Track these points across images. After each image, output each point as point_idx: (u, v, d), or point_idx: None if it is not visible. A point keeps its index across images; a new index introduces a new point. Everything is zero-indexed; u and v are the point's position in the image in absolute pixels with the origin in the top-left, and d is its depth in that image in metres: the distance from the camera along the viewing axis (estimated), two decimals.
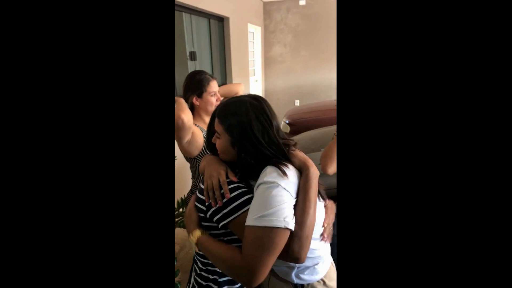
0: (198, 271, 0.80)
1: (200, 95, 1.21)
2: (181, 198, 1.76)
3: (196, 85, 1.21)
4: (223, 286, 0.77)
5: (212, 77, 1.25)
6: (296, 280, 0.77)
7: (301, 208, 0.65)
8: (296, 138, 2.50)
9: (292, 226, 0.62)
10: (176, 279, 1.43)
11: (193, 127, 1.12)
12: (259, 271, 0.59)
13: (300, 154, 0.73)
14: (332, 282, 0.82)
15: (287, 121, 3.33)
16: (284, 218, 0.60)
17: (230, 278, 0.77)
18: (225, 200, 0.68)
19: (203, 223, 0.73)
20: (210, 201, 0.69)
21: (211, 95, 1.22)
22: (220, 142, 0.73)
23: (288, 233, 0.62)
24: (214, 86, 1.23)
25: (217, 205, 0.68)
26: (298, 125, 3.19)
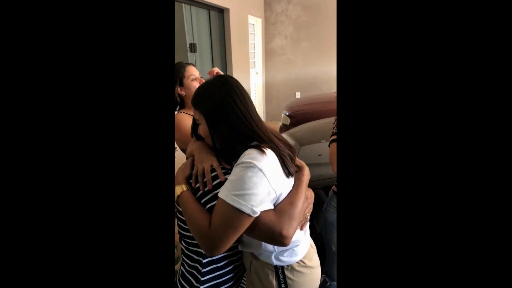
0: (185, 251, 0.82)
1: (181, 83, 1.22)
2: None
3: (175, 75, 1.23)
4: (207, 267, 0.79)
5: (188, 64, 1.25)
6: (276, 262, 0.79)
7: (294, 192, 0.74)
8: (296, 129, 2.51)
9: (257, 214, 0.65)
10: (176, 267, 1.46)
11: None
12: (221, 244, 0.64)
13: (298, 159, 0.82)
14: (312, 262, 0.84)
15: (287, 113, 3.34)
16: (252, 206, 0.63)
17: (212, 260, 0.79)
18: (218, 181, 0.70)
19: None
20: (198, 185, 0.72)
21: (192, 80, 1.22)
22: (202, 128, 0.75)
23: (251, 220, 0.65)
24: (191, 70, 1.23)
25: (206, 189, 0.70)
26: (298, 117, 3.19)
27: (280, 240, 0.68)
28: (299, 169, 0.80)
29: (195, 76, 1.22)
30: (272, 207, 0.71)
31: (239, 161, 0.67)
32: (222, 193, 0.65)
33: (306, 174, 0.80)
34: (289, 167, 0.73)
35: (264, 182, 0.65)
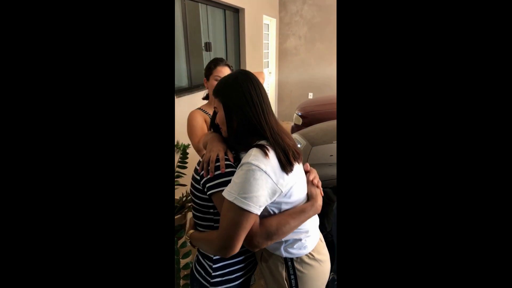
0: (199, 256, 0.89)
1: (208, 77, 1.32)
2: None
3: (206, 69, 1.34)
4: (217, 264, 0.84)
5: (223, 62, 1.32)
6: (285, 254, 0.81)
7: (288, 219, 0.76)
8: (308, 129, 2.52)
9: (261, 210, 0.69)
10: (189, 258, 1.49)
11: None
12: (233, 244, 0.69)
13: (319, 187, 0.86)
14: (321, 255, 0.86)
15: (300, 113, 3.34)
16: (259, 206, 0.68)
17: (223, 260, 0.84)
18: (218, 172, 0.75)
19: (197, 194, 0.81)
20: (203, 172, 0.78)
21: (215, 79, 1.29)
22: (219, 115, 0.80)
23: (256, 217, 0.70)
24: (219, 70, 1.29)
25: (208, 176, 0.76)
26: (310, 118, 3.19)
27: (250, 247, 0.74)
28: (311, 198, 0.81)
29: (219, 76, 1.28)
30: (279, 205, 0.75)
31: (244, 160, 0.70)
32: (231, 196, 0.68)
33: (315, 208, 0.80)
34: (290, 165, 0.73)
35: (270, 183, 0.69)
